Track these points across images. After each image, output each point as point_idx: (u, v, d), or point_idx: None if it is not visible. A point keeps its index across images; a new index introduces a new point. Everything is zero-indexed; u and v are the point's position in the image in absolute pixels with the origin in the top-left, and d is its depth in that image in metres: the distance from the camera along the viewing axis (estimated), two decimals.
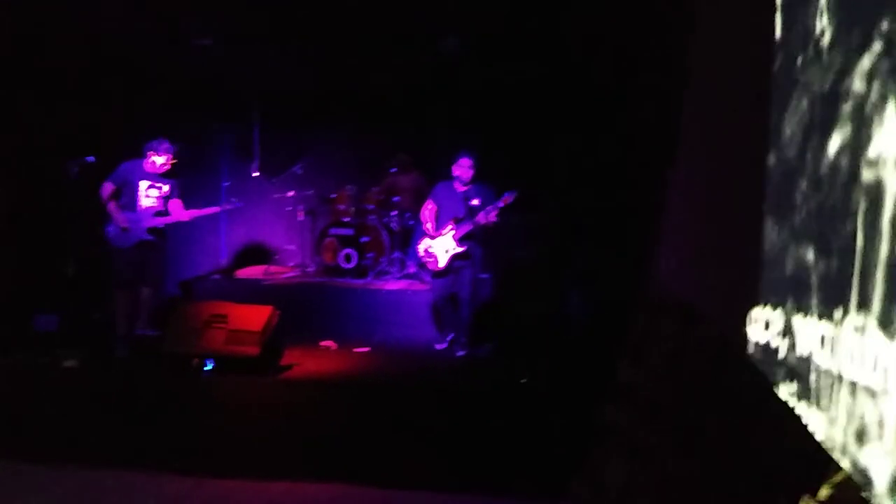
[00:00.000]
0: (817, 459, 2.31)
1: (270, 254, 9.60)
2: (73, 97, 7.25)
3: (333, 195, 8.87)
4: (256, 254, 9.59)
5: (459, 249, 6.72)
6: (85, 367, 6.05)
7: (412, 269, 8.34)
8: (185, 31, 7.80)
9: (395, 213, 8.51)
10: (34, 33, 6.92)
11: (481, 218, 6.59)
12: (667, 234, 4.39)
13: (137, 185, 6.76)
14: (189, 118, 8.37)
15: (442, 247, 6.74)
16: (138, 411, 5.57)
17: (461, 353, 6.78)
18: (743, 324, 3.04)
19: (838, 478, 2.22)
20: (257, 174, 9.31)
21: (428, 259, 6.84)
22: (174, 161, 6.81)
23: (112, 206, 6.71)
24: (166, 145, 6.76)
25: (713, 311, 2.72)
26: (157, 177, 6.81)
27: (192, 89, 8.29)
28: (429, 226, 6.87)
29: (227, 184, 9.47)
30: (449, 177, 6.84)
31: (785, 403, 2.66)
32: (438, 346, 6.95)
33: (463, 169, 6.74)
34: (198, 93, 8.38)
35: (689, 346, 2.88)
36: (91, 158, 6.88)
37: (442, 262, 6.74)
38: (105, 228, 6.75)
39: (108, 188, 6.72)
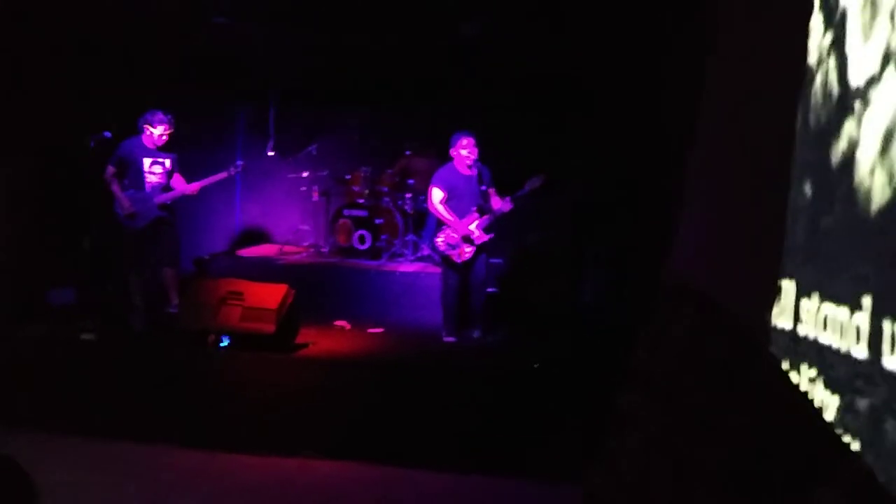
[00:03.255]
0: (836, 446, 2.32)
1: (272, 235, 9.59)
2: (91, 72, 7.27)
3: (348, 176, 8.87)
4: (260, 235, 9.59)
5: (486, 239, 6.52)
6: (102, 340, 6.10)
7: (426, 252, 8.36)
8: (204, 8, 7.80)
9: (409, 195, 8.50)
10: (54, 8, 6.92)
11: (502, 207, 6.44)
12: (685, 219, 4.39)
13: (141, 163, 6.74)
14: (206, 96, 8.39)
15: (470, 238, 6.54)
16: (154, 386, 5.63)
17: (476, 335, 6.69)
18: (763, 310, 3.06)
19: (856, 464, 2.23)
20: (272, 153, 9.32)
21: (451, 250, 6.56)
22: (171, 132, 6.74)
23: (117, 190, 6.68)
24: (160, 116, 6.69)
25: (732, 297, 2.74)
26: (157, 151, 6.77)
27: (210, 68, 8.30)
28: (444, 213, 6.60)
29: (241, 162, 9.49)
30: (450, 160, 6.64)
31: (803, 390, 2.67)
32: (447, 339, 6.73)
33: (469, 149, 6.49)
34: (215, 71, 8.38)
35: (708, 332, 2.87)
36: (108, 134, 6.89)
37: (470, 253, 6.54)
38: (116, 210, 6.76)
39: (110, 171, 6.69)
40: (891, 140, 2.33)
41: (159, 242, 6.84)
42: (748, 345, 2.91)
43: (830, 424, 2.51)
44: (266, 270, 7.96)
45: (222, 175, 7.05)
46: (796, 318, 2.92)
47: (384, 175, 8.77)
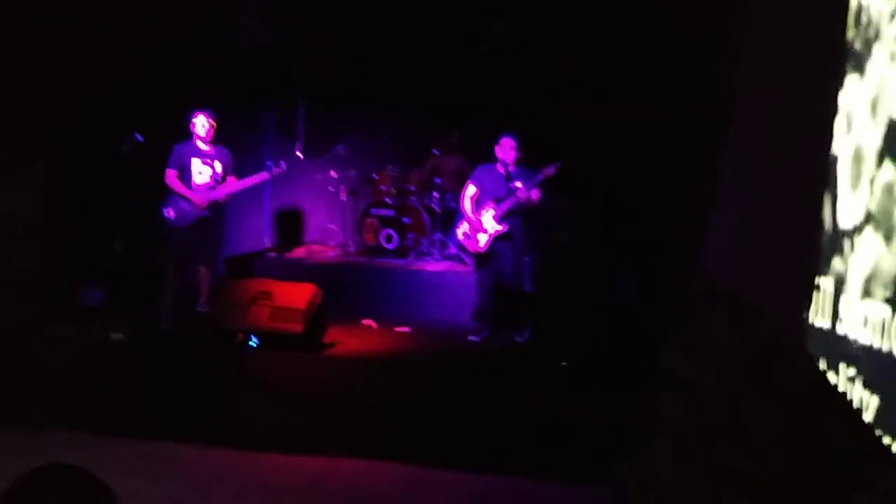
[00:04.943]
0: (874, 448, 2.27)
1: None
2: (122, 75, 7.32)
3: (375, 176, 8.88)
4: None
5: (499, 228, 6.52)
6: (132, 341, 6.15)
7: (453, 251, 8.34)
8: (231, 10, 7.83)
9: (436, 194, 8.49)
10: (85, 11, 6.98)
11: (521, 194, 6.40)
12: (718, 216, 4.32)
13: (190, 164, 6.82)
14: (234, 98, 8.43)
15: (482, 227, 6.59)
16: (183, 385, 5.66)
17: (485, 333, 6.68)
18: (800, 308, 3.00)
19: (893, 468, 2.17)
20: (301, 154, 9.35)
21: (467, 241, 6.68)
22: (214, 122, 6.81)
23: (183, 189, 6.75)
24: (196, 111, 6.81)
25: (768, 295, 2.68)
26: (207, 152, 6.83)
27: (237, 69, 8.34)
28: (467, 207, 6.69)
29: (270, 163, 9.53)
30: (492, 159, 6.67)
31: (840, 392, 2.61)
32: (472, 339, 6.75)
33: (505, 150, 6.52)
34: (242, 73, 8.42)
35: (741, 335, 2.81)
36: (140, 137, 6.95)
37: (482, 243, 6.57)
38: (163, 209, 6.80)
39: (171, 174, 6.79)
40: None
41: (202, 242, 6.90)
42: (784, 346, 2.85)
43: (870, 425, 2.45)
44: (294, 270, 7.97)
45: (264, 176, 7.11)
46: (835, 317, 2.86)
47: (412, 174, 8.76)
